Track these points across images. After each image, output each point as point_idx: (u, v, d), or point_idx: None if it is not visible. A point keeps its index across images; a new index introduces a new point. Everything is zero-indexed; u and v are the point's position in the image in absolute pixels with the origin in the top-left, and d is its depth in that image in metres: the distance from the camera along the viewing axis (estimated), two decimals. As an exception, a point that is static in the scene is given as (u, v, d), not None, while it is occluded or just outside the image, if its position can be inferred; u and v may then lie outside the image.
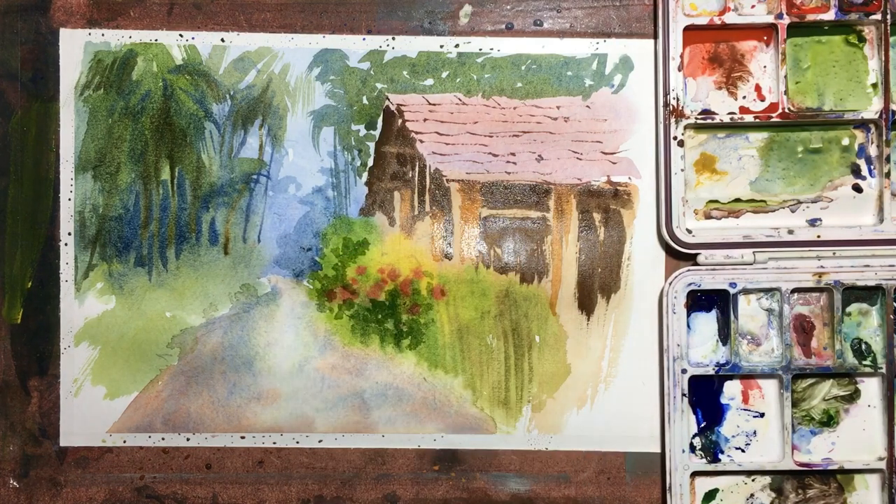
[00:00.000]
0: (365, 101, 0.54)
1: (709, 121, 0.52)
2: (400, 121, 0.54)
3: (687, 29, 0.52)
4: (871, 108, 0.53)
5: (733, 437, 0.54)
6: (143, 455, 0.54)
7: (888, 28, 0.52)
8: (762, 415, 0.54)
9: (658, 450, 0.54)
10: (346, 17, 0.54)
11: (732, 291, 0.52)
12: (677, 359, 0.52)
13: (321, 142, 0.54)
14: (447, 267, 0.54)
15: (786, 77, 0.52)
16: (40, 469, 0.54)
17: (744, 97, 0.54)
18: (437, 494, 0.55)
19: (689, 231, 0.53)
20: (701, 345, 0.54)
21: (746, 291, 0.53)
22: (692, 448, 0.53)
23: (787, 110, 0.52)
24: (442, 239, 0.55)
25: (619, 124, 0.54)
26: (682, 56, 0.52)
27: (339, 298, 0.54)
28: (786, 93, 0.52)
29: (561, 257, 0.54)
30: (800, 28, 0.53)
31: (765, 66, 0.53)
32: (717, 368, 0.53)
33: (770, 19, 0.52)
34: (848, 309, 0.53)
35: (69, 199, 0.54)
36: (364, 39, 0.54)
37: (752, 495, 0.54)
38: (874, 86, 0.53)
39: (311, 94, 0.54)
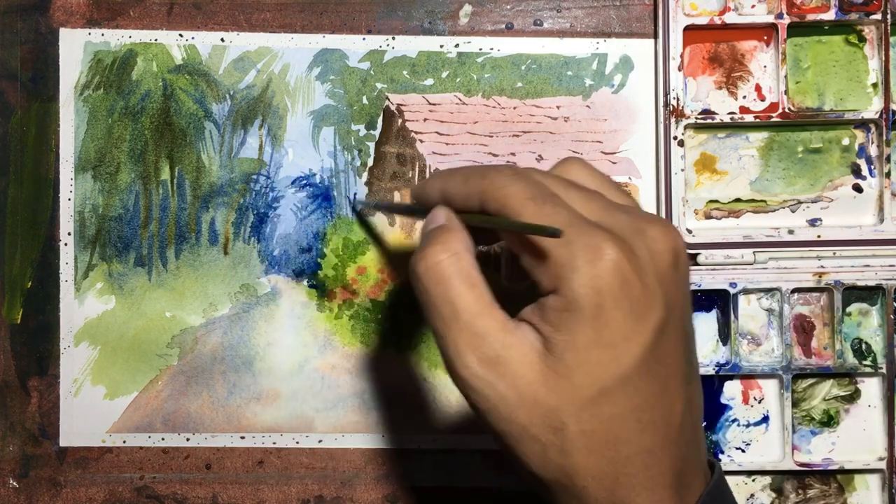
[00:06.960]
0: (365, 101, 0.54)
1: (709, 121, 0.52)
2: (400, 121, 0.54)
3: (687, 29, 0.52)
4: (872, 108, 0.53)
5: (733, 437, 0.54)
6: (143, 455, 0.54)
7: (888, 28, 0.52)
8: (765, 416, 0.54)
9: (658, 450, 0.54)
10: (346, 17, 0.54)
11: (732, 291, 0.52)
12: (677, 359, 0.52)
13: (321, 142, 0.54)
14: (447, 267, 0.54)
15: (786, 77, 0.52)
16: (40, 469, 0.54)
17: (744, 97, 0.54)
18: (438, 495, 0.54)
19: (690, 231, 0.53)
20: (701, 345, 0.54)
21: (746, 291, 0.53)
22: (692, 448, 0.53)
23: (787, 110, 0.52)
24: (442, 239, 0.54)
25: (619, 124, 0.54)
26: (682, 56, 0.52)
27: (338, 298, 0.54)
28: (786, 93, 0.52)
29: (561, 257, 0.54)
30: (800, 28, 0.53)
31: (765, 66, 0.53)
32: (717, 368, 0.53)
33: (770, 19, 0.52)
34: (848, 309, 0.53)
35: (69, 199, 0.54)
36: (364, 39, 0.54)
37: (752, 495, 0.54)
38: (874, 86, 0.53)
39: (311, 94, 0.54)
